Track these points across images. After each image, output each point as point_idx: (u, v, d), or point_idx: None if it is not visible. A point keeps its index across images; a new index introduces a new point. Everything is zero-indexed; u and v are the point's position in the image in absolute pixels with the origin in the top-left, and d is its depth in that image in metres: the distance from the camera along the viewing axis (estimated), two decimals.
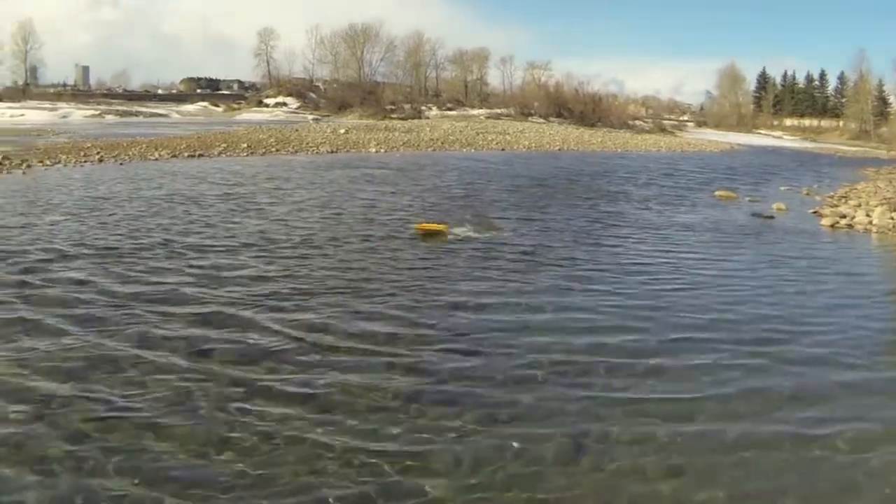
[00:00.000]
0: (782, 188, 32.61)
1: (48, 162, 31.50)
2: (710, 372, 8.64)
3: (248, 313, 10.17)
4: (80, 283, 11.57)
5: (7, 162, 30.12)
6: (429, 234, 15.77)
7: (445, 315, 10.42)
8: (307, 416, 7.08)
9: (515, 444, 6.67)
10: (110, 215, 17.84)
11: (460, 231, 16.14)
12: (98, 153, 35.50)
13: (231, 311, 10.27)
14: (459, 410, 7.33)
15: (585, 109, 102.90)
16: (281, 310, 10.42)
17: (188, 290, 11.31)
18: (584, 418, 7.28)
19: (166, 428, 6.75)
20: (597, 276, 13.15)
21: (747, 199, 27.27)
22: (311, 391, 7.64)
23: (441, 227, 15.93)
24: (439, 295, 11.46)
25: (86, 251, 13.76)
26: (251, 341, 9.10)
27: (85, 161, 32.76)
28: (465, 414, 7.25)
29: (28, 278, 11.75)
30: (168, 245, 14.40)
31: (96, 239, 14.90)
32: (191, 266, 12.81)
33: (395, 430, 6.84)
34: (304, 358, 8.56)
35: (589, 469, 6.41)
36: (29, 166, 29.66)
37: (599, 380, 8.20)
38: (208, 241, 14.97)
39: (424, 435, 6.83)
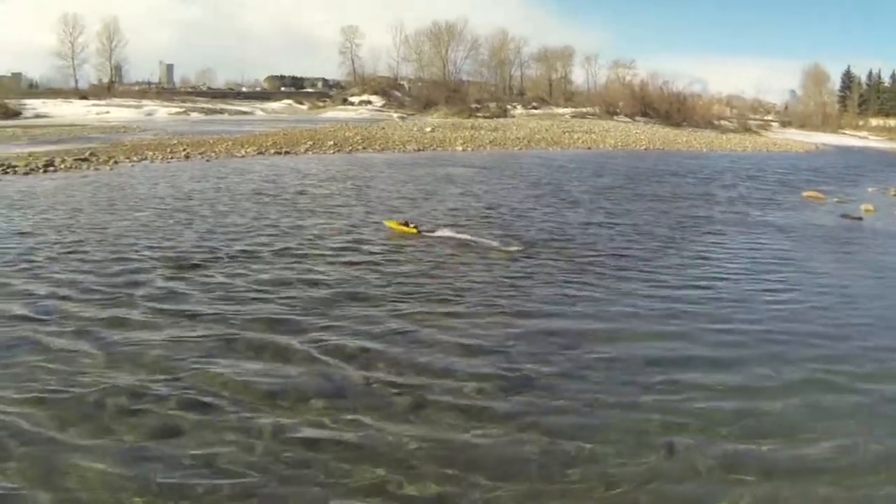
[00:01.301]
0: (870, 189, 31.21)
1: (135, 158, 32.09)
2: (814, 401, 7.56)
3: (312, 323, 9.41)
4: (157, 289, 10.96)
5: (94, 158, 30.84)
6: (400, 232, 15.47)
7: (529, 326, 9.62)
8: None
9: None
10: (193, 214, 17.52)
11: (432, 231, 15.64)
12: (184, 150, 36.05)
13: (301, 321, 9.49)
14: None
15: (671, 109, 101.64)
16: (338, 322, 9.56)
17: (260, 299, 10.54)
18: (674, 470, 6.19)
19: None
20: (684, 285, 12.19)
21: (835, 200, 26.25)
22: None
23: (411, 228, 15.53)
24: (521, 305, 10.62)
25: (163, 254, 13.25)
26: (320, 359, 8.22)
27: (171, 157, 33.21)
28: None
29: (100, 281, 11.23)
30: (247, 250, 13.76)
31: (177, 241, 14.46)
32: (264, 273, 12.09)
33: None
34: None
35: None
36: (116, 163, 30.21)
37: (692, 420, 7.02)
38: (286, 245, 14.24)
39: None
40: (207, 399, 7.11)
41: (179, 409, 6.90)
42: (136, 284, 11.11)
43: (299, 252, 13.66)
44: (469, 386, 7.54)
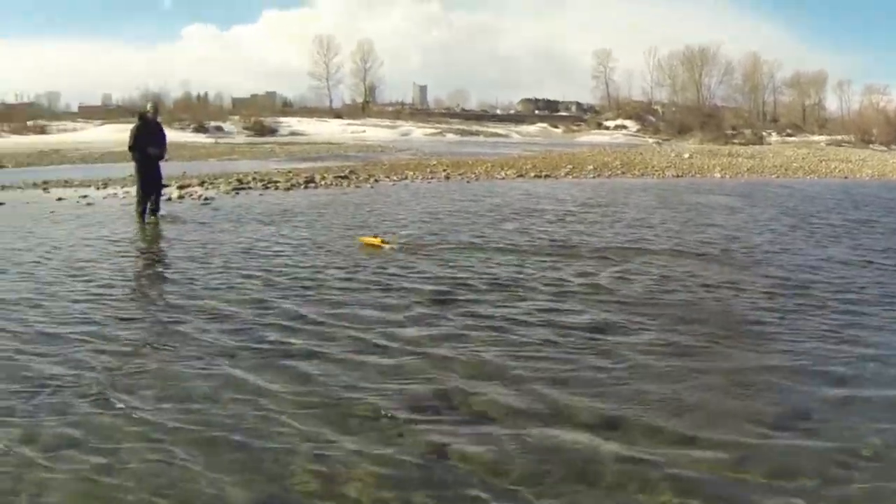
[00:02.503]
0: None
1: (395, 177, 32.55)
2: None
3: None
4: (408, 322, 9.06)
5: (354, 176, 31.79)
6: (371, 246, 14.74)
7: (797, 366, 7.91)
8: None
9: None
10: (445, 238, 15.99)
11: (396, 244, 14.90)
12: (444, 171, 36.44)
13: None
14: None
15: None
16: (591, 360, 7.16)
17: (503, 337, 8.27)
18: None
19: None
20: None
21: None
22: None
23: (378, 241, 14.96)
24: (789, 340, 8.80)
25: (417, 285, 11.34)
26: None
27: (431, 178, 33.43)
28: None
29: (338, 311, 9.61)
30: (502, 283, 11.62)
31: (432, 272, 12.56)
32: (509, 309, 9.72)
33: None
34: None
35: None
36: (376, 181, 30.69)
37: None
38: (543, 280, 11.76)
39: None
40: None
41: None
42: (382, 318, 9.44)
43: (556, 286, 11.54)
44: (742, 422, 6.38)
